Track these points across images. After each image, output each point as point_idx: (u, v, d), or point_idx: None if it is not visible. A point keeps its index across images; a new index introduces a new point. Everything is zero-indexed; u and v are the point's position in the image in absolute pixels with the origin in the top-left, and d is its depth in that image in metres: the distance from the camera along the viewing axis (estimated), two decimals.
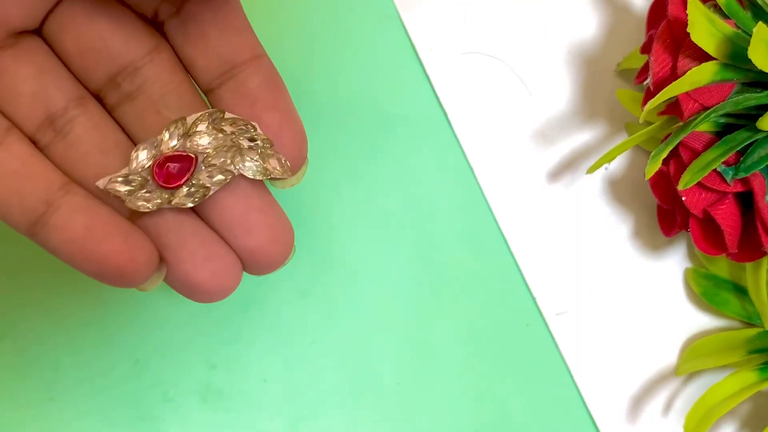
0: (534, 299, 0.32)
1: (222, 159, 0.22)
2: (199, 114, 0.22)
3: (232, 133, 0.22)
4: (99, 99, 0.23)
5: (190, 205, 0.22)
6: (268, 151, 0.22)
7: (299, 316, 0.31)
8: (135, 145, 0.23)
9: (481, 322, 0.31)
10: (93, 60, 0.23)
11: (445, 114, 0.32)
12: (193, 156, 0.22)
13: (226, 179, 0.22)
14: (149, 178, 0.22)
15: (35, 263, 0.31)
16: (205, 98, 0.24)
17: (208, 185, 0.22)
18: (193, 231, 0.22)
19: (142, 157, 0.22)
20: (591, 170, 0.28)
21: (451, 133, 0.32)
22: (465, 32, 0.33)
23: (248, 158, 0.22)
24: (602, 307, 0.32)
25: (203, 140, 0.22)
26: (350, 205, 0.32)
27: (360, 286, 0.31)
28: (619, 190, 0.32)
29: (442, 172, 0.32)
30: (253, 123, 0.23)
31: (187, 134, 0.22)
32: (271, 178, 0.23)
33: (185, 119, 0.22)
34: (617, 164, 0.32)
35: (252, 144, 0.22)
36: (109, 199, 0.22)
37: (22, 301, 0.30)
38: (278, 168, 0.22)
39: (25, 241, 0.30)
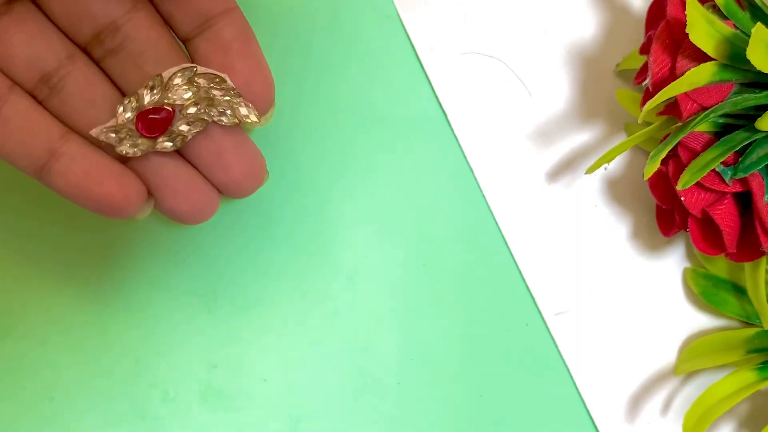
0: (533, 299, 0.32)
1: (196, 109, 0.25)
2: (174, 69, 0.25)
3: (205, 84, 0.25)
4: (87, 52, 0.26)
5: (171, 150, 0.25)
6: (237, 100, 0.25)
7: (299, 316, 0.31)
8: (121, 95, 0.26)
9: (481, 322, 0.31)
10: (77, 20, 0.25)
11: (445, 114, 0.32)
12: (170, 108, 0.25)
13: (201, 126, 0.25)
14: (134, 128, 0.25)
15: (35, 263, 0.31)
16: (183, 46, 0.26)
17: (186, 133, 0.25)
18: (174, 171, 0.25)
19: (126, 111, 0.25)
20: (590, 170, 0.28)
21: (451, 133, 0.32)
22: (465, 32, 0.33)
23: (220, 108, 0.25)
24: (601, 306, 0.32)
25: (179, 93, 0.25)
26: (350, 205, 0.32)
27: (360, 286, 0.31)
28: (618, 191, 0.32)
29: (442, 172, 0.32)
30: (223, 75, 0.25)
31: (165, 88, 0.25)
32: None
33: (161, 75, 0.25)
34: (616, 164, 0.32)
35: (223, 93, 0.25)
36: (101, 144, 0.25)
37: (22, 300, 0.31)
38: (247, 114, 0.25)
39: (25, 242, 0.31)
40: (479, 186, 0.32)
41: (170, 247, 0.31)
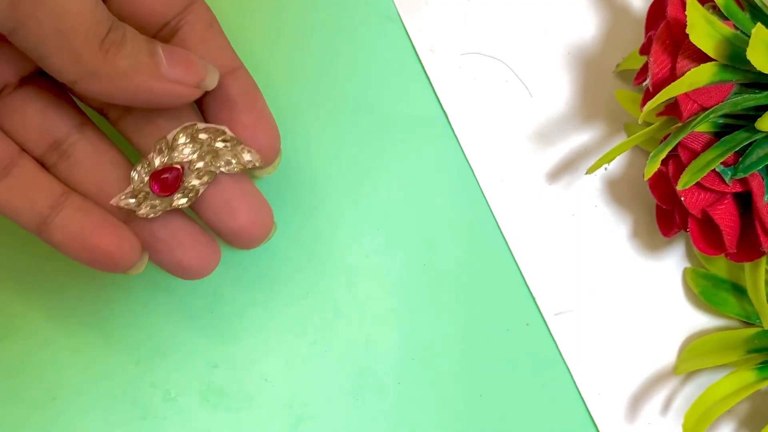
0: (534, 299, 0.32)
1: (203, 162, 0.26)
2: (176, 130, 0.26)
3: (207, 138, 0.26)
4: (103, 114, 0.27)
5: (187, 204, 0.26)
6: (239, 148, 0.27)
7: (299, 316, 0.31)
8: (129, 161, 0.27)
9: (481, 322, 0.31)
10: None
11: (446, 115, 0.32)
12: (179, 167, 0.26)
13: (210, 179, 0.26)
14: (149, 191, 0.26)
15: (37, 265, 0.31)
16: (194, 105, 0.28)
17: (198, 187, 0.26)
18: (180, 224, 0.27)
19: (139, 175, 0.26)
20: (590, 170, 0.28)
21: (451, 134, 0.32)
22: (465, 33, 0.33)
23: (224, 158, 0.26)
24: (601, 306, 0.32)
25: (185, 150, 0.26)
26: (351, 205, 0.32)
27: (360, 286, 0.31)
28: (618, 191, 0.32)
29: (442, 173, 0.32)
30: (222, 127, 0.27)
31: (171, 149, 0.26)
32: (247, 169, 0.27)
33: (166, 137, 0.26)
34: (616, 165, 0.33)
35: (225, 144, 0.27)
36: (104, 203, 0.26)
37: (24, 301, 0.31)
38: (251, 159, 0.27)
39: (26, 244, 0.31)
40: (479, 186, 0.32)
41: None
